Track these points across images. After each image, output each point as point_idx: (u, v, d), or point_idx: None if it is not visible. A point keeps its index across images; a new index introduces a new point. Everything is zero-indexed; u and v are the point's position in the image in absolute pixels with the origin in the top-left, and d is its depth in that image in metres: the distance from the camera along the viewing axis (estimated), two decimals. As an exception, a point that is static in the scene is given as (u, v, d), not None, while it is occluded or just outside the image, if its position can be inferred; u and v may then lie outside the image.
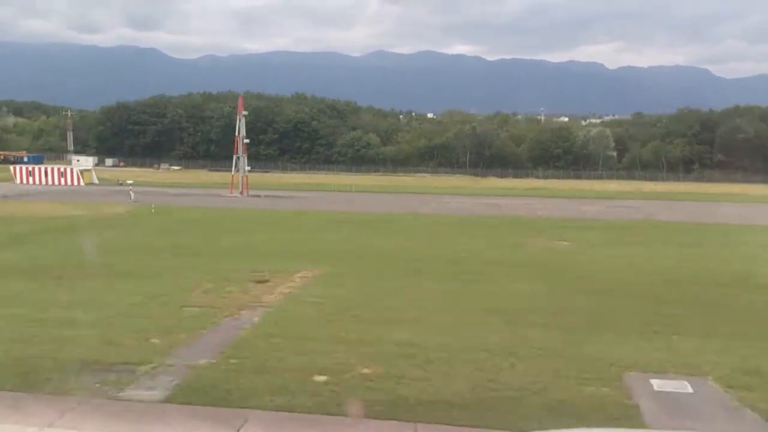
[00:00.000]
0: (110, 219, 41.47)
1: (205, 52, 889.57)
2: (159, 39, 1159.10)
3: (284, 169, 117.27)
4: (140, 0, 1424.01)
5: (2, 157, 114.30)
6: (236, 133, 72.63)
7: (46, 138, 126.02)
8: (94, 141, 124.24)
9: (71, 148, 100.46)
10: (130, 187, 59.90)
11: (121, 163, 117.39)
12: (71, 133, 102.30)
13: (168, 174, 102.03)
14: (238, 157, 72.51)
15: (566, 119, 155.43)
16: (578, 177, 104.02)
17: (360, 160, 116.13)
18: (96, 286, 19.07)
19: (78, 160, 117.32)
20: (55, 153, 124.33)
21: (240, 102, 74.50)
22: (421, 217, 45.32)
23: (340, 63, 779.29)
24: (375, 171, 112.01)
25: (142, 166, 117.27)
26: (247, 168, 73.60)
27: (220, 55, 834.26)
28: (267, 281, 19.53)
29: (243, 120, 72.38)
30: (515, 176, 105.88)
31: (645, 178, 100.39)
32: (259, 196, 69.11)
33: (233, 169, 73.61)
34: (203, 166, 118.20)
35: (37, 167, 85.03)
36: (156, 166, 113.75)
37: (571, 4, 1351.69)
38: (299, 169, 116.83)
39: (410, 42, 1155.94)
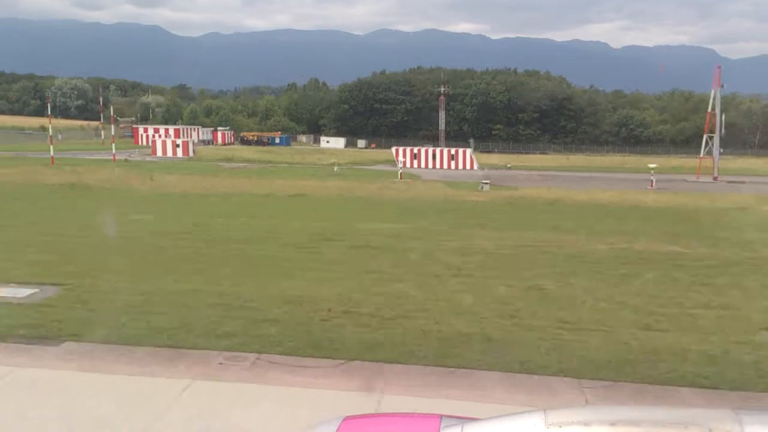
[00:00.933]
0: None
1: (208, 30, 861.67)
2: (161, 16, 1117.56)
3: (545, 151, 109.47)
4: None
5: (255, 138, 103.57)
6: (709, 109, 65.04)
7: (276, 118, 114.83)
8: (333, 121, 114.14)
9: (442, 126, 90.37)
10: (652, 173, 52.00)
11: (372, 145, 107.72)
12: (443, 112, 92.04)
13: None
14: (710, 137, 65.04)
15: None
16: None
17: (634, 140, 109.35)
18: None
19: (327, 142, 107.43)
20: (288, 133, 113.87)
21: (716, 73, 66.12)
22: None
23: (344, 41, 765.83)
24: (652, 152, 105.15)
25: (387, 147, 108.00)
26: (721, 150, 66.11)
27: (223, 32, 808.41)
28: None
29: (719, 93, 64.50)
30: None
31: None
32: (743, 182, 61.77)
33: (702, 151, 66.07)
34: (457, 147, 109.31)
35: (423, 150, 75.85)
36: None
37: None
38: (563, 150, 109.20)
39: (413, 20, 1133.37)
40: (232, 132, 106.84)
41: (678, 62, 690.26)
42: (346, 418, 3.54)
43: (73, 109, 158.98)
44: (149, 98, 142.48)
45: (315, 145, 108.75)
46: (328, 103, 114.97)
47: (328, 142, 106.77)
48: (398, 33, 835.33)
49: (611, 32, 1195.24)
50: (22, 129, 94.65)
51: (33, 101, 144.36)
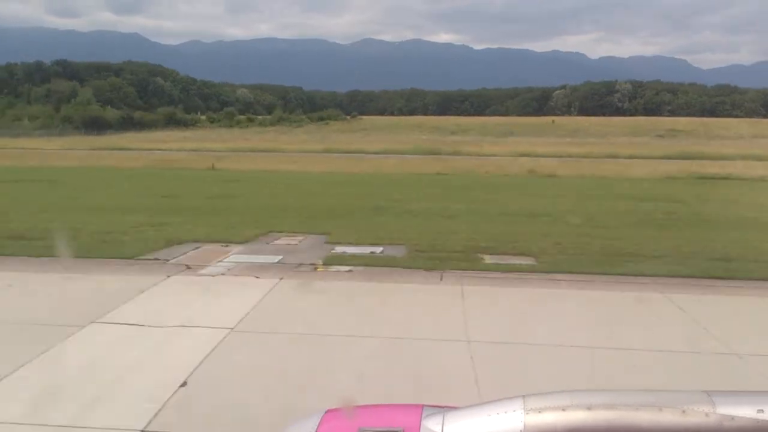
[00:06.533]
0: None
1: (189, 38, 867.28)
2: (141, 24, 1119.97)
3: None
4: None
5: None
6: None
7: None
8: None
9: None
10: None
11: None
12: None
13: None
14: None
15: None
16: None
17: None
18: None
19: None
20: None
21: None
22: None
23: (328, 50, 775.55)
24: None
25: None
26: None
27: (205, 41, 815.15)
28: None
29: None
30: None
31: None
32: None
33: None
34: None
35: None
36: None
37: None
38: None
39: (397, 30, 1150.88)
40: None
41: (653, 72, 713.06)
42: (329, 410, 3.65)
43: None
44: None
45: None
46: None
47: None
48: (382, 43, 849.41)
49: (587, 44, 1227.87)
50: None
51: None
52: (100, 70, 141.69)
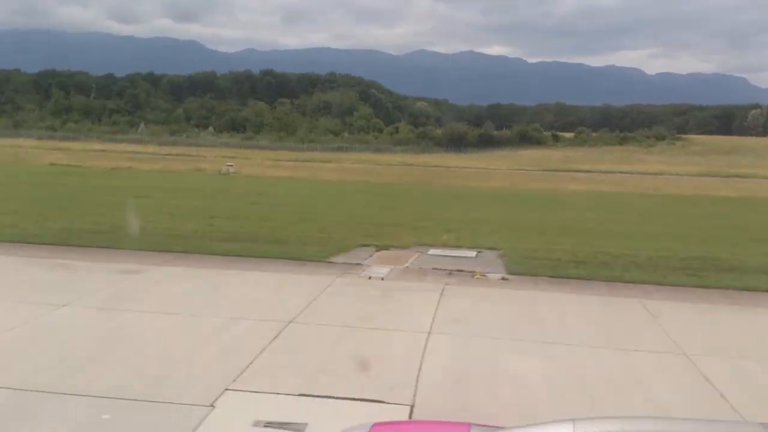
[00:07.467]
0: None
1: (245, 46, 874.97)
2: (198, 31, 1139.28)
3: None
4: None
5: None
6: None
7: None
8: None
9: None
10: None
11: None
12: None
13: None
14: None
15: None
16: None
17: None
18: None
19: None
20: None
21: None
22: None
23: (381, 60, 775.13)
24: None
25: None
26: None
27: (260, 49, 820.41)
28: None
29: None
30: None
31: None
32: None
33: None
34: None
35: None
36: None
37: (613, 8, 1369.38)
38: None
39: (450, 42, 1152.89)
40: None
41: (712, 89, 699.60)
42: (376, 425, 3.58)
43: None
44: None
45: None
46: None
47: None
48: (435, 54, 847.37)
49: (644, 59, 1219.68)
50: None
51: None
52: (313, 83, 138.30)
